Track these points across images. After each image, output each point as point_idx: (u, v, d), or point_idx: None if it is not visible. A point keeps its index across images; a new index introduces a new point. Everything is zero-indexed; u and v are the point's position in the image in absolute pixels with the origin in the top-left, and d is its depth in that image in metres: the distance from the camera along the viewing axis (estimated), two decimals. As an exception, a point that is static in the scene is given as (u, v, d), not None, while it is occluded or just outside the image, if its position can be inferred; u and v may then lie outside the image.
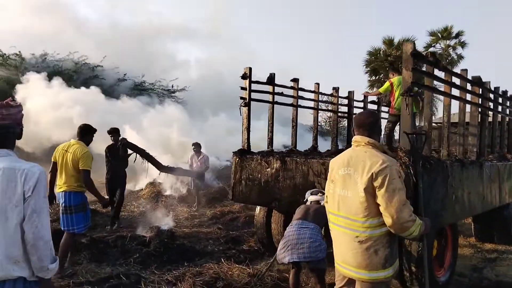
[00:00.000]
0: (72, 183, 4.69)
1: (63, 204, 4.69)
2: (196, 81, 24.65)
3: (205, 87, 23.82)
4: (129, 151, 6.90)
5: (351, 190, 2.64)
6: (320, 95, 6.87)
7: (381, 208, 2.50)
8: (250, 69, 5.51)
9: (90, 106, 12.74)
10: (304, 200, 4.11)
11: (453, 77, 4.92)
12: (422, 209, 3.16)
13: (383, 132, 8.08)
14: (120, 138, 7.09)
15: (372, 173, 2.50)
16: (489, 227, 6.71)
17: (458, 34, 34.07)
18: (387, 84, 6.74)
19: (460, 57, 34.33)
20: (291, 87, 6.28)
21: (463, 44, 33.95)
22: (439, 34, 33.76)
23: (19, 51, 19.27)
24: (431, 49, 33.90)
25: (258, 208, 5.87)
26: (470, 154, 5.44)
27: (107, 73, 21.44)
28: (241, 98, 5.55)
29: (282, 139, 15.55)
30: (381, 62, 27.35)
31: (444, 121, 4.95)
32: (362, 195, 2.54)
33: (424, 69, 4.85)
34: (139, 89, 22.05)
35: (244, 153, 5.36)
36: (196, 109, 20.36)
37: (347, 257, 2.68)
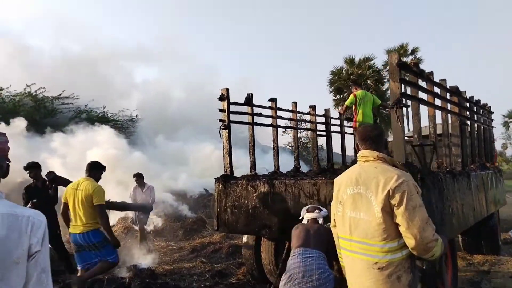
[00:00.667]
0: (88, 221, 4.63)
1: (88, 244, 4.62)
2: (156, 105, 23.89)
3: (166, 110, 23.08)
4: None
5: (364, 211, 2.38)
6: (297, 114, 6.70)
7: (402, 229, 2.25)
8: (228, 90, 5.25)
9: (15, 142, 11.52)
10: (300, 218, 3.79)
11: (434, 87, 4.88)
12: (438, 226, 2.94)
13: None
14: (48, 172, 5.98)
15: (389, 190, 2.26)
16: (477, 238, 6.65)
17: (414, 51, 35.87)
18: (351, 97, 6.77)
19: (417, 73, 35.84)
20: (269, 107, 6.07)
21: (418, 61, 35.76)
22: (395, 51, 35.41)
23: (-29, 87, 18.12)
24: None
25: (245, 237, 5.50)
26: (455, 165, 5.38)
27: (66, 106, 20.49)
28: (220, 120, 5.26)
29: (245, 162, 15.16)
30: (344, 81, 27.99)
31: (430, 132, 4.86)
32: (379, 216, 2.28)
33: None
34: (102, 121, 21.15)
35: (227, 179, 5.02)
36: (163, 133, 19.48)
37: (365, 287, 2.39)
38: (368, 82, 27.24)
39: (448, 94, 5.23)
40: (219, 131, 5.24)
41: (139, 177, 8.37)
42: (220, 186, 5.03)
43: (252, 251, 5.36)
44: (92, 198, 4.59)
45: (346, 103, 6.74)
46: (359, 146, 2.57)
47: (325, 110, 7.37)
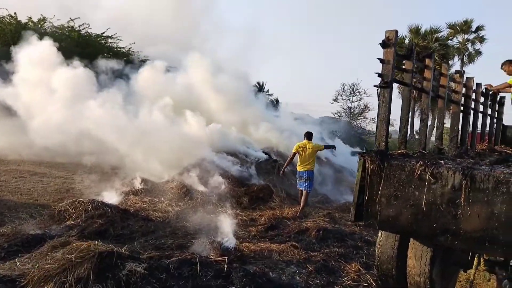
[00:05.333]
0: (311, 166, 7.82)
1: (305, 177, 7.78)
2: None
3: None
4: None
5: None
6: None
7: None
8: (396, 33, 3.76)
9: None
10: None
11: None
12: None
13: None
14: None
15: None
16: None
17: (478, 29, 32.89)
18: None
19: (478, 52, 33.18)
20: (424, 65, 4.56)
21: (482, 39, 32.77)
22: (457, 27, 32.38)
23: (15, 13, 16.81)
24: (449, 42, 32.43)
25: (382, 233, 4.20)
26: None
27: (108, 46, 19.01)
28: (379, 75, 3.80)
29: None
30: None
31: None
32: None
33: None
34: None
35: (386, 157, 3.63)
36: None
37: None
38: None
39: None
40: (377, 90, 3.80)
41: None
42: (373, 166, 3.65)
43: (393, 254, 4.07)
44: (316, 151, 7.96)
45: (510, 81, 5.54)
46: None
47: (467, 78, 5.77)
